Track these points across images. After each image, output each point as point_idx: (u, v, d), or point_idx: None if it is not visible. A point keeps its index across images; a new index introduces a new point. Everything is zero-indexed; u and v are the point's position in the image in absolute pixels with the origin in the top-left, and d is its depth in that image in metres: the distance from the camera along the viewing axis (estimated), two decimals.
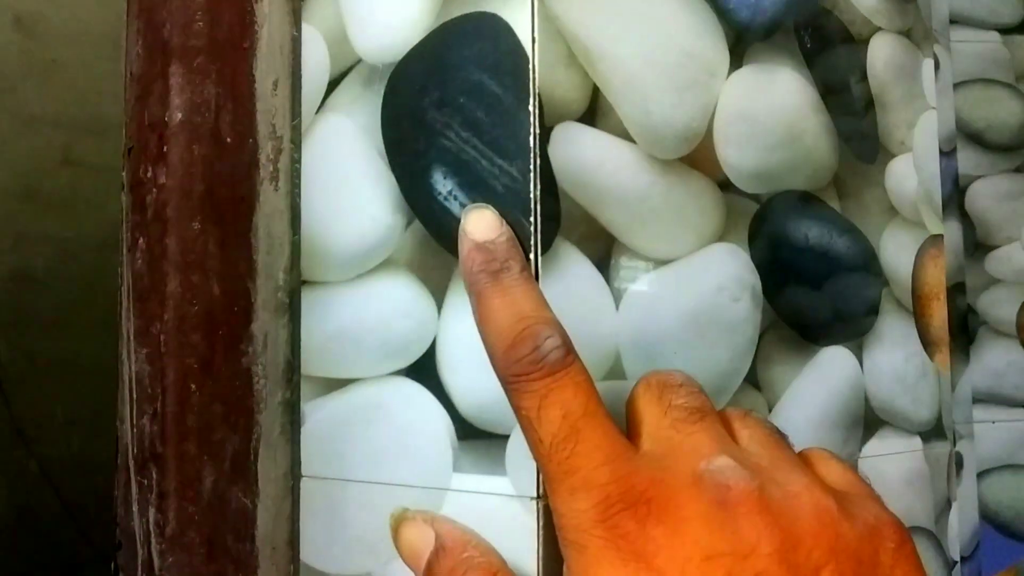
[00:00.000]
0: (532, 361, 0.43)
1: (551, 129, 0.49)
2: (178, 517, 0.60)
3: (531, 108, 0.48)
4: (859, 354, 0.70)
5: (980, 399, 1.00)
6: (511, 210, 0.48)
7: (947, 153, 1.03)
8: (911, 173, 0.77)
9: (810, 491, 0.42)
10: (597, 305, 0.50)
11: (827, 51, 0.70)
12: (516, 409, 0.44)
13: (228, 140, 0.61)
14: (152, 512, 0.61)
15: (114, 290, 0.65)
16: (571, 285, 0.49)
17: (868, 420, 0.70)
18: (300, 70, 0.62)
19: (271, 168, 0.60)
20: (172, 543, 0.60)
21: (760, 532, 0.38)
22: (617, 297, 0.52)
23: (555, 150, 0.49)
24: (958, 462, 0.98)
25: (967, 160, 1.03)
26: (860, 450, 0.69)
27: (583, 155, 0.50)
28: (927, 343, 0.78)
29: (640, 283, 0.53)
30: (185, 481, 0.60)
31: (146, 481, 0.61)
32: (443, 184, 0.51)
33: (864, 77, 0.74)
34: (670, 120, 0.56)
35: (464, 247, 0.47)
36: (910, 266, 0.76)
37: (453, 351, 0.51)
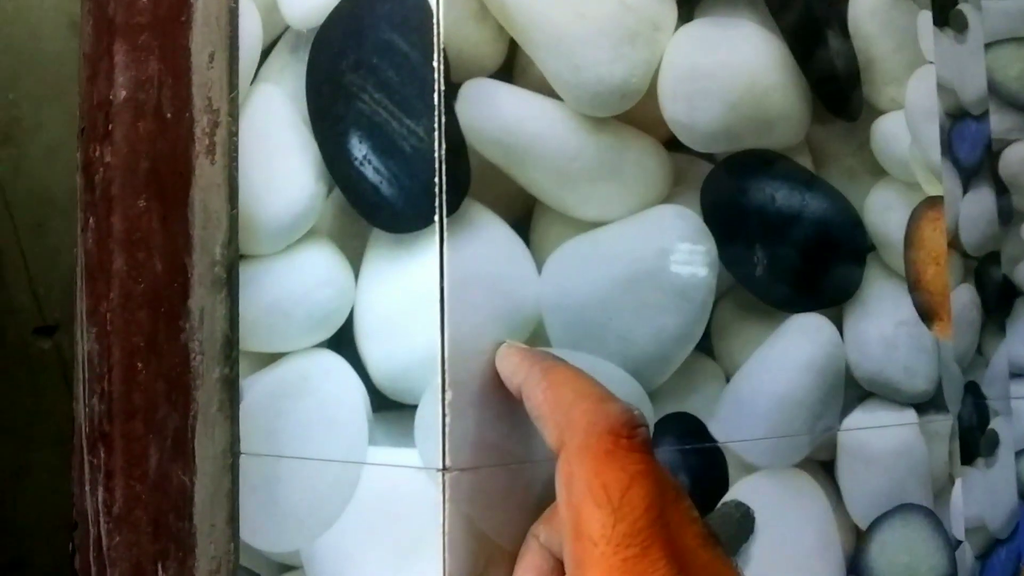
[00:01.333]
0: (630, 423, 0.39)
1: (459, 86, 0.47)
2: (125, 496, 0.59)
3: (435, 64, 0.46)
4: (839, 322, 0.66)
5: (1018, 374, 0.95)
6: (416, 172, 0.46)
7: (978, 116, 0.97)
8: (903, 131, 0.72)
9: None
10: (515, 269, 0.48)
11: (799, 2, 0.66)
12: (589, 478, 0.37)
13: (168, 116, 0.61)
14: (100, 491, 0.60)
15: None
16: (484, 248, 0.47)
17: (851, 391, 0.67)
18: (238, 42, 0.61)
19: (207, 142, 0.59)
20: (119, 522, 0.59)
21: None
22: (539, 260, 0.49)
23: (464, 108, 0.47)
24: (993, 440, 0.93)
25: (1000, 123, 0.98)
26: (840, 423, 0.66)
27: (497, 112, 0.48)
28: (924, 311, 0.73)
29: (567, 246, 0.51)
30: (131, 460, 0.60)
31: (95, 460, 0.61)
32: (359, 149, 0.50)
33: (845, 29, 0.70)
34: (604, 76, 0.53)
35: (508, 356, 0.45)
36: (901, 229, 0.71)
37: (368, 318, 0.49)
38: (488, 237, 0.47)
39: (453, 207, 0.46)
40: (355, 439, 0.49)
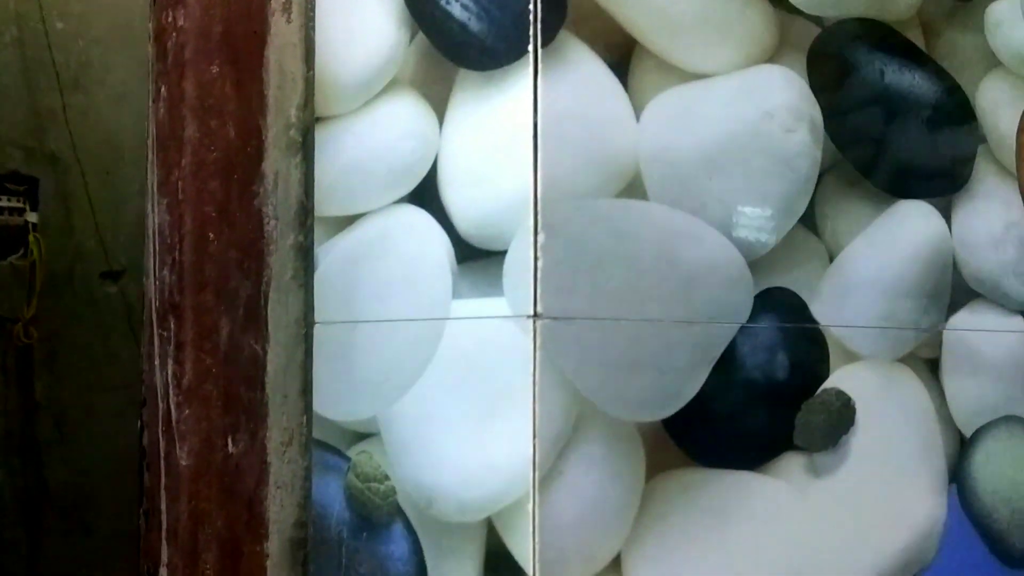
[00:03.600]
0: None
1: None
2: (195, 368, 0.58)
3: None
4: (947, 214, 0.62)
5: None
6: (510, 1, 0.43)
7: None
8: (1018, 19, 0.67)
9: None
10: (613, 111, 0.45)
11: None
12: None
13: None
14: (171, 364, 0.59)
15: None
16: (580, 85, 0.44)
17: (958, 290, 0.62)
18: None
19: None
20: (189, 395, 0.58)
21: None
22: (638, 107, 0.46)
23: None
24: None
25: None
26: (946, 321, 0.61)
27: None
28: None
29: (667, 95, 0.47)
30: (202, 332, 0.58)
31: (165, 333, 0.59)
32: None
33: None
34: None
35: None
36: (1013, 124, 0.66)
37: (454, 165, 0.46)
38: (585, 74, 0.44)
39: (548, 38, 0.42)
40: (438, 294, 0.46)
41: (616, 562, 0.44)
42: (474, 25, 0.43)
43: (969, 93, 0.64)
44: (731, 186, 0.49)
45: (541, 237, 0.40)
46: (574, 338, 0.42)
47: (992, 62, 0.66)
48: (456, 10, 0.45)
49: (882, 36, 0.59)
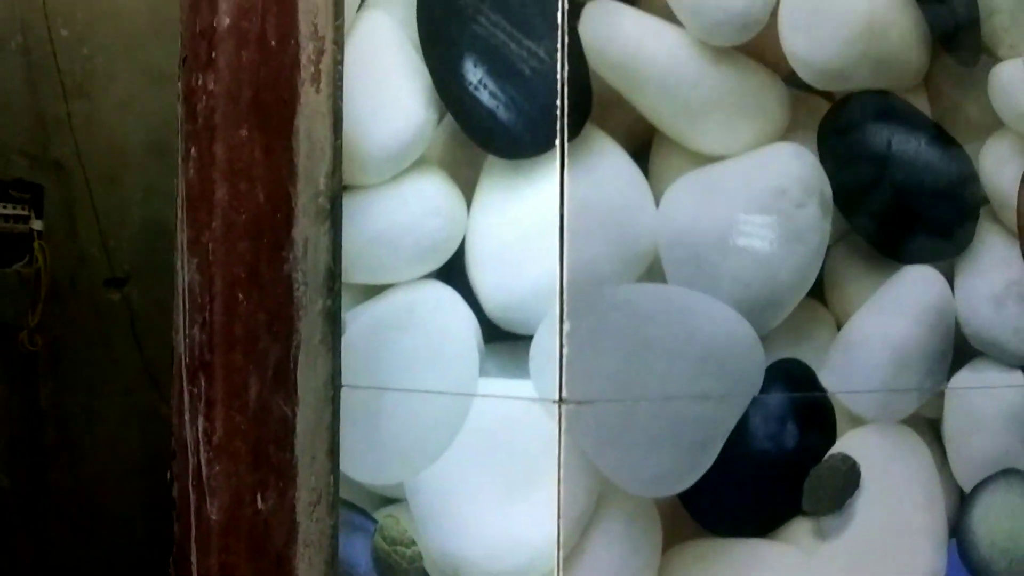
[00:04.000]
0: None
1: (583, 6, 0.45)
2: (225, 426, 0.60)
3: None
4: (950, 276, 0.64)
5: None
6: (536, 95, 0.45)
7: None
8: (1021, 80, 0.69)
9: None
10: (634, 200, 0.47)
11: None
12: None
13: (273, 43, 0.60)
14: (201, 421, 0.61)
15: None
16: (605, 176, 0.46)
17: (959, 349, 0.64)
18: None
19: (312, 69, 0.59)
20: (219, 451, 0.60)
21: None
22: (657, 193, 0.48)
23: (587, 29, 0.45)
24: None
25: None
26: (947, 381, 0.63)
27: (620, 35, 0.46)
28: None
29: (686, 179, 0.49)
30: (232, 390, 0.60)
31: (196, 390, 0.61)
32: (473, 73, 0.49)
33: None
34: (726, 4, 0.51)
35: None
36: (1015, 184, 0.68)
37: (481, 248, 0.48)
38: (609, 165, 0.46)
39: (575, 132, 0.44)
40: (465, 371, 0.48)
41: None
42: (502, 114, 0.45)
43: (972, 155, 0.66)
44: (744, 264, 0.51)
45: (567, 325, 0.42)
46: (596, 420, 0.44)
47: (995, 124, 0.67)
48: (484, 96, 0.47)
49: (889, 107, 0.61)
